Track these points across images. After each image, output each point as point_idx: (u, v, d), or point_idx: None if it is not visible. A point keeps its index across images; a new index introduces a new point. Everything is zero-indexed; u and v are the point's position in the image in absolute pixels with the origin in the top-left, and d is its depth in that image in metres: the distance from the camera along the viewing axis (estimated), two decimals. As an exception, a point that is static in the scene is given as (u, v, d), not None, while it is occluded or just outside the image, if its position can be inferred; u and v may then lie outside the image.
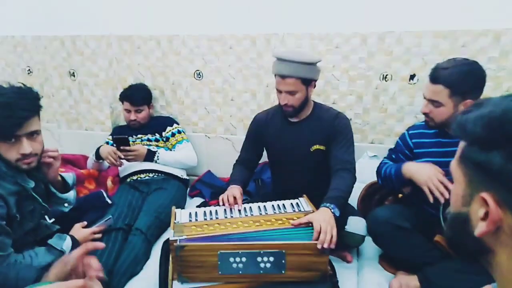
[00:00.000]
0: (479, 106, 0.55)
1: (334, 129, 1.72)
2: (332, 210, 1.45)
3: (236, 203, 1.62)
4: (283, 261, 1.34)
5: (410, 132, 1.69)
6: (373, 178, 1.99)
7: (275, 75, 1.69)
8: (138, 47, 2.43)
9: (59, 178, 1.57)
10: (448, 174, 1.50)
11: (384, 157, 1.80)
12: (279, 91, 1.69)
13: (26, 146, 1.29)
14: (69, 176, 1.64)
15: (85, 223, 1.65)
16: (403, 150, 1.70)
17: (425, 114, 1.53)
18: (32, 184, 1.39)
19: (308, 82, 1.67)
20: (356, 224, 1.64)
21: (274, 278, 1.36)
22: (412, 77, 2.04)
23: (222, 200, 1.64)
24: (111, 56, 2.48)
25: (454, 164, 0.59)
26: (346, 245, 1.70)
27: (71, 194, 1.62)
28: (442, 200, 1.42)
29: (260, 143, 1.91)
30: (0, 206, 1.26)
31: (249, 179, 1.94)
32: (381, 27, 2.01)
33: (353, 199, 1.92)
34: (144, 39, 2.40)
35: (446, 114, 1.47)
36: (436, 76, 1.44)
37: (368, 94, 2.13)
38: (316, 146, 1.76)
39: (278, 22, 2.14)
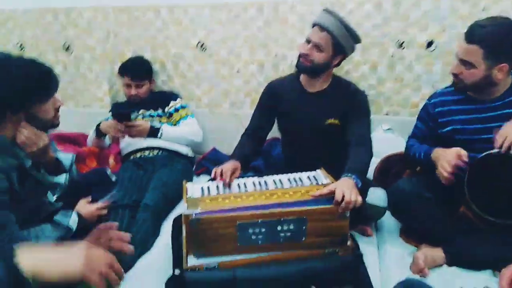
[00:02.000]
0: None
1: (352, 105, 1.66)
2: (354, 180, 1.37)
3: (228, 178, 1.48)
4: (304, 228, 1.28)
5: (432, 101, 1.60)
6: (388, 151, 1.92)
7: (312, 26, 1.63)
8: (136, 18, 2.29)
9: (52, 158, 1.45)
10: (478, 142, 1.43)
11: (409, 136, 1.71)
12: (307, 42, 1.62)
13: (59, 99, 1.36)
14: (67, 158, 1.52)
15: (90, 198, 1.55)
16: (427, 122, 1.61)
17: (454, 75, 1.44)
18: (29, 162, 1.31)
19: (338, 50, 1.62)
20: (377, 197, 1.56)
21: (294, 246, 1.31)
22: (429, 44, 1.94)
23: (215, 173, 1.51)
24: (107, 29, 2.34)
25: None
26: (366, 218, 1.63)
27: (62, 178, 1.49)
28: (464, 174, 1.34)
29: (272, 111, 1.81)
30: (1, 179, 1.17)
31: (254, 151, 1.80)
32: (397, -10, 1.90)
33: (369, 174, 1.84)
34: (143, 10, 2.26)
35: (477, 77, 1.37)
36: (471, 34, 1.34)
37: (382, 63, 2.03)
38: (331, 120, 1.69)
39: (287, -13, 2.03)
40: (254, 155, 1.86)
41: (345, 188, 1.30)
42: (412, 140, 1.66)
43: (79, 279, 0.67)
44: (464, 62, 1.38)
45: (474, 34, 1.33)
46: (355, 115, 1.64)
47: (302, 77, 1.75)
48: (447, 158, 1.37)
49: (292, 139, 1.83)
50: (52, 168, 1.47)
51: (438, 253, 1.43)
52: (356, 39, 1.64)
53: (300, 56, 1.65)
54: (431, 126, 1.60)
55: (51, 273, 0.65)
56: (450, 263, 1.42)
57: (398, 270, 1.44)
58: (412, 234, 1.61)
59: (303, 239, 1.30)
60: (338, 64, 1.70)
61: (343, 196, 1.27)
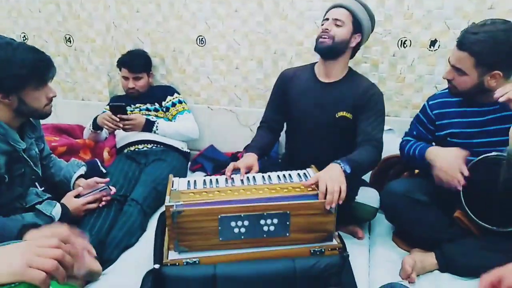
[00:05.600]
0: None
1: (366, 100, 1.58)
2: (342, 167, 1.32)
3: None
4: (287, 223, 1.25)
5: (431, 102, 1.54)
6: (388, 152, 1.86)
7: (327, 12, 1.64)
8: (137, 11, 2.27)
9: None
10: (475, 146, 1.38)
11: (405, 132, 1.66)
12: (326, 20, 1.62)
13: (53, 89, 1.34)
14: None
15: (80, 189, 1.53)
16: (424, 124, 1.55)
17: (447, 80, 1.39)
18: (23, 145, 1.31)
19: (357, 28, 1.60)
20: (368, 196, 1.51)
21: (278, 242, 1.28)
22: (433, 43, 1.88)
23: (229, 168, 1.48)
24: (108, 20, 2.33)
25: None
26: (357, 219, 1.58)
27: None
28: (459, 188, 1.30)
29: (284, 100, 1.74)
30: None
31: (271, 143, 1.79)
32: (400, -13, 1.84)
33: (366, 175, 1.78)
34: (144, 2, 2.24)
35: (469, 84, 1.32)
36: (462, 42, 1.28)
37: (384, 61, 1.97)
38: (343, 113, 1.62)
39: (287, -18, 1.98)
40: (271, 147, 1.82)
41: (328, 178, 1.26)
42: (406, 138, 1.61)
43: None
44: (456, 69, 1.33)
45: (465, 42, 1.27)
46: (367, 112, 1.57)
47: (317, 66, 1.70)
48: (447, 171, 1.31)
49: (298, 132, 1.74)
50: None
51: (429, 259, 1.38)
52: (372, 19, 1.64)
53: (318, 37, 1.60)
54: (430, 128, 1.54)
55: None
56: (442, 270, 1.36)
57: (388, 275, 1.38)
58: (405, 238, 1.55)
59: (287, 234, 1.27)
60: (356, 49, 1.68)
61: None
